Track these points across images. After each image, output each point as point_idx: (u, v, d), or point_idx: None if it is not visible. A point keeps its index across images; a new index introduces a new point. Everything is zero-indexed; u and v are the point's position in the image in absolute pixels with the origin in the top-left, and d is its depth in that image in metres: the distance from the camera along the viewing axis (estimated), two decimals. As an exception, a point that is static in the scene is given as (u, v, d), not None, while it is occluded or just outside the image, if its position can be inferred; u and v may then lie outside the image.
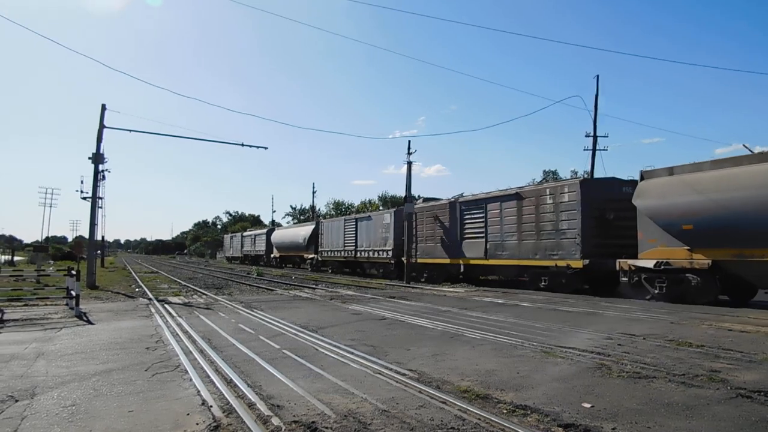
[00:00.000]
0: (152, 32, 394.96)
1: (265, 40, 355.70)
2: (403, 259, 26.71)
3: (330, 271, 38.50)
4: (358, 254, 33.30)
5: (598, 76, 31.82)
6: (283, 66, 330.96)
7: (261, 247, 56.51)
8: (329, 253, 37.95)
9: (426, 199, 27.26)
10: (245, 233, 68.19)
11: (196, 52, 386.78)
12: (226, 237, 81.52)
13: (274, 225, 72.81)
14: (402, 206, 27.33)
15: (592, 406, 4.80)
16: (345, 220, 36.48)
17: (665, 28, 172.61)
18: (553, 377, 5.96)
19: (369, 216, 32.98)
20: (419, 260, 26.38)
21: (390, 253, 29.18)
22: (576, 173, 47.57)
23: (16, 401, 4.98)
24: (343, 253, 35.52)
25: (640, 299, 15.28)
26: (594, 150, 32.07)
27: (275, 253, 51.98)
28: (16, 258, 60.44)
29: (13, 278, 15.77)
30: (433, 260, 25.55)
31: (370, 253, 31.78)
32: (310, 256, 41.86)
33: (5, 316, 10.90)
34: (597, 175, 31.58)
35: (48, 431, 4.17)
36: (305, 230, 43.98)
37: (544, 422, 4.36)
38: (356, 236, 33.52)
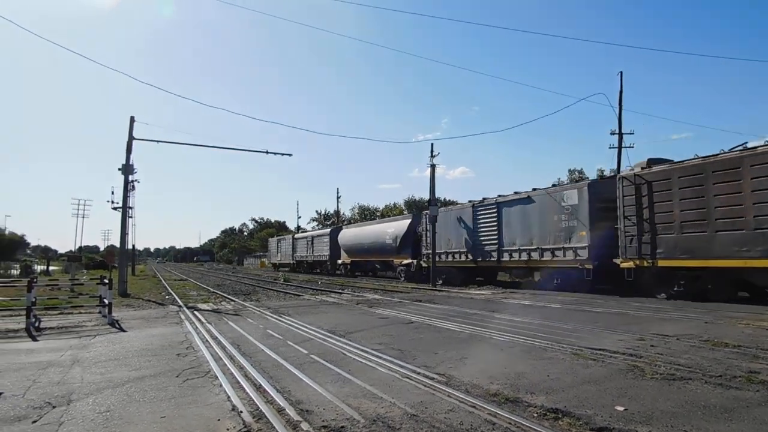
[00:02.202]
0: (174, 46, 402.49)
1: (291, 48, 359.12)
2: (618, 261, 17.58)
3: (441, 282, 26.80)
4: (505, 256, 23.02)
5: (621, 72, 31.00)
6: (308, 74, 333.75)
7: (322, 251, 45.88)
8: (442, 256, 27.43)
9: (655, 161, 17.26)
10: (298, 235, 57.78)
11: (219, 66, 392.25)
12: (272, 241, 70.00)
13: (299, 230, 70.34)
14: (600, 179, 18.85)
15: (625, 409, 4.70)
16: (474, 207, 25.44)
17: (690, 22, 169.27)
18: (585, 380, 5.86)
19: (528, 198, 22.01)
20: (660, 262, 16.34)
21: (583, 252, 18.94)
22: (603, 172, 46.78)
23: (54, 407, 5.09)
24: (469, 255, 25.30)
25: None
26: (620, 147, 31.47)
27: (344, 259, 41.29)
28: (51, 268, 62.12)
29: (49, 287, 16.17)
30: (707, 262, 14.96)
31: (533, 253, 21.35)
32: (405, 261, 31.68)
33: (42, 324, 11.17)
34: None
35: (84, 437, 4.25)
36: (396, 226, 33.65)
37: (576, 426, 4.29)
38: (499, 229, 23.37)
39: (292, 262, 56.06)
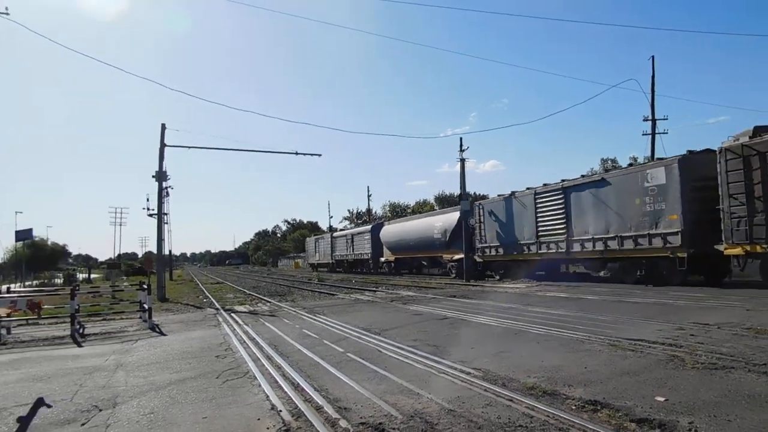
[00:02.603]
0: (190, 52, 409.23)
1: (312, 46, 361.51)
2: (720, 247, 15.27)
3: (498, 277, 25.52)
4: (575, 246, 20.38)
5: (653, 57, 30.27)
6: (333, 72, 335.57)
7: (363, 249, 44.14)
8: (499, 249, 25.51)
9: (763, 129, 14.81)
10: (337, 234, 55.28)
11: (238, 71, 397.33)
12: (309, 240, 68.02)
13: (332, 230, 69.76)
14: (690, 153, 16.97)
15: (666, 400, 4.63)
16: (535, 194, 22.84)
17: (716, 5, 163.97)
18: (623, 371, 5.78)
19: (602, 180, 19.80)
20: None
21: (674, 239, 16.61)
22: (636, 159, 45.70)
23: (100, 410, 5.26)
24: (531, 247, 22.94)
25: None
26: (653, 134, 30.79)
27: (387, 256, 39.55)
28: (92, 275, 63.97)
29: (91, 295, 16.66)
30: None
31: (610, 242, 18.93)
32: (457, 256, 29.07)
33: (86, 331, 11.53)
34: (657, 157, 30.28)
35: (130, 438, 4.39)
36: (445, 220, 31.43)
37: (616, 417, 4.24)
38: (567, 217, 20.78)
39: (331, 261, 54.08)
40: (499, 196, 26.48)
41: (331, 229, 68.43)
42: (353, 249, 46.75)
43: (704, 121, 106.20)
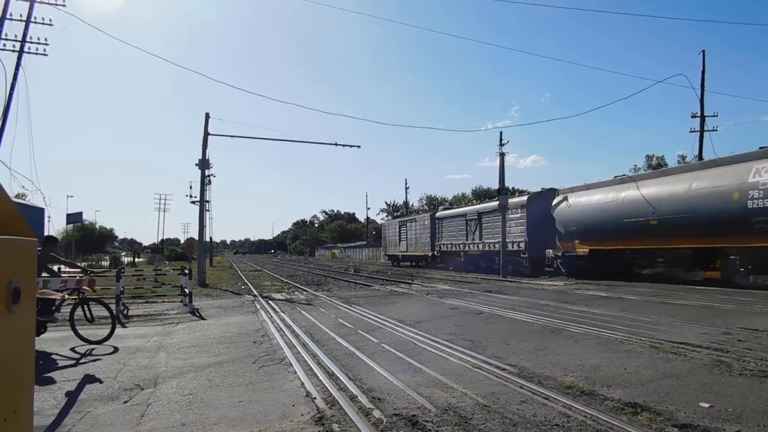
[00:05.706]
0: (245, 40, 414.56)
1: (356, 39, 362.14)
2: None
3: None
4: None
5: (704, 51, 29.03)
6: (374, 64, 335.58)
7: (495, 235, 27.68)
8: None
9: None
10: (443, 213, 36.20)
11: (291, 57, 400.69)
12: (389, 225, 49.19)
13: (369, 221, 64.06)
14: None
15: (711, 406, 4.47)
16: None
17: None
18: (665, 374, 5.61)
19: None
20: None
21: None
22: (684, 158, 44.12)
23: (142, 389, 5.42)
24: None
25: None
26: (702, 131, 29.67)
27: (574, 247, 22.64)
28: (137, 260, 65.93)
29: (136, 278, 17.16)
30: None
31: None
32: None
33: (130, 312, 11.89)
34: (706, 157, 29.13)
35: (170, 417, 4.51)
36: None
37: (657, 421, 4.11)
38: None
39: (429, 253, 37.14)
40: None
41: (369, 221, 64.96)
42: (480, 235, 30.29)
43: (757, 118, 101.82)
